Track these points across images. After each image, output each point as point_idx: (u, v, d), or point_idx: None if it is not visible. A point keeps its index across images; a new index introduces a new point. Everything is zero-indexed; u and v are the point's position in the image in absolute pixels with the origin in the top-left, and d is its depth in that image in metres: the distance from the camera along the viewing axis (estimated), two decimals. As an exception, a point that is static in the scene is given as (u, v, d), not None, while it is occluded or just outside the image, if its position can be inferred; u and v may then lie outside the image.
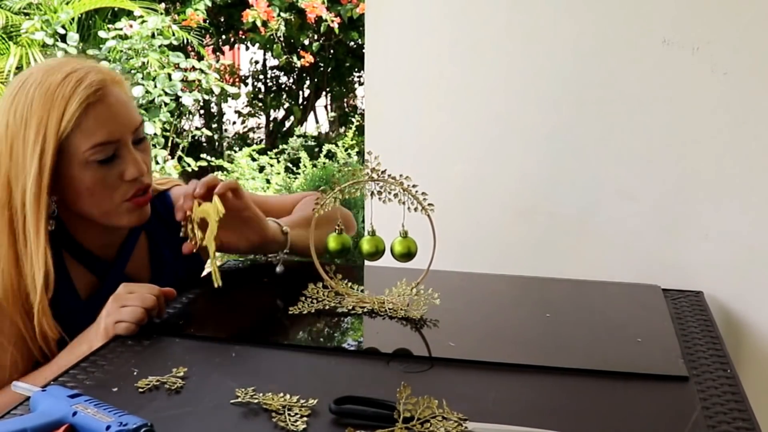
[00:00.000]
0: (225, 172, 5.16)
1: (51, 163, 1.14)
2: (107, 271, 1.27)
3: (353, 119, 6.23)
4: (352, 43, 6.27)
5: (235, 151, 5.58)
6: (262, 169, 5.21)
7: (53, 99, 1.14)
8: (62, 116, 1.14)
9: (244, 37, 6.29)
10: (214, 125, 6.48)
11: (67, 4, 5.00)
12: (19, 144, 1.15)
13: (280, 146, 5.70)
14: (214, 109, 6.52)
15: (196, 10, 5.52)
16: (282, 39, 6.00)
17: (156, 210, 1.30)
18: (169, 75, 4.83)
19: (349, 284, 1.25)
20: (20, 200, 1.15)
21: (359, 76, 6.57)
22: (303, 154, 5.20)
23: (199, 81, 5.11)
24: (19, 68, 4.85)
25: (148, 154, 1.25)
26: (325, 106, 7.00)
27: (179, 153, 5.23)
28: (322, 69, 6.37)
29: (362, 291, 1.25)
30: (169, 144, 5.12)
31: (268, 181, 5.07)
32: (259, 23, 5.62)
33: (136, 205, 1.22)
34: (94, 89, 1.16)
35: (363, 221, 1.38)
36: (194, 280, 1.34)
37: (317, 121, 6.81)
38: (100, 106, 1.17)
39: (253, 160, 5.24)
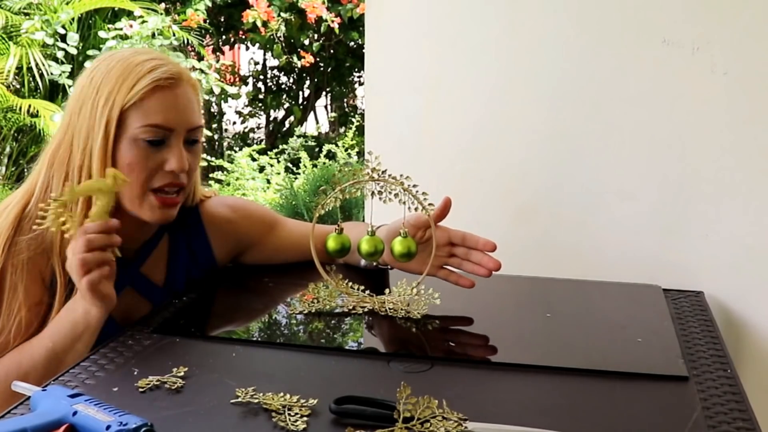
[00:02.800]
0: (225, 172, 5.17)
1: (114, 130, 1.18)
2: (125, 267, 1.27)
3: (353, 119, 6.23)
4: (352, 43, 6.27)
5: (235, 151, 5.58)
6: (262, 169, 5.21)
7: (129, 73, 1.19)
8: (131, 89, 1.18)
9: (244, 37, 6.29)
10: (215, 125, 6.48)
11: (67, 4, 5.00)
12: (87, 107, 1.19)
13: (280, 146, 5.70)
14: (215, 109, 6.52)
15: (197, 10, 5.52)
16: (282, 39, 6.01)
17: (185, 217, 1.32)
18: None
19: (350, 284, 1.25)
20: (80, 162, 1.19)
21: (359, 76, 6.57)
22: (303, 154, 5.20)
23: (199, 81, 5.11)
24: (19, 68, 4.85)
25: (196, 159, 1.26)
26: (325, 106, 7.00)
27: (179, 153, 5.22)
28: (322, 69, 6.37)
29: (362, 291, 1.25)
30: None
31: (268, 181, 5.07)
32: (259, 23, 5.62)
33: (161, 202, 1.22)
34: (167, 76, 1.20)
35: (363, 221, 1.38)
36: (195, 281, 1.34)
37: (317, 121, 6.81)
38: (166, 92, 1.20)
39: (253, 160, 5.24)
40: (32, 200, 1.20)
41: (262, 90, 6.67)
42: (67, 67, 4.92)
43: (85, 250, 1.09)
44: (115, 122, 1.17)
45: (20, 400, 0.91)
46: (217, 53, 6.33)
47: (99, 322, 1.11)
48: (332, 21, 5.63)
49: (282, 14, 5.72)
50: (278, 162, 5.27)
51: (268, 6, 5.65)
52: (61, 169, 1.20)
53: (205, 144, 6.22)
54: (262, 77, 6.69)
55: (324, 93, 6.77)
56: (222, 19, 6.36)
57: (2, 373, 1.11)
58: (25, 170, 5.29)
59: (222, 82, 5.60)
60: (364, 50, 1.77)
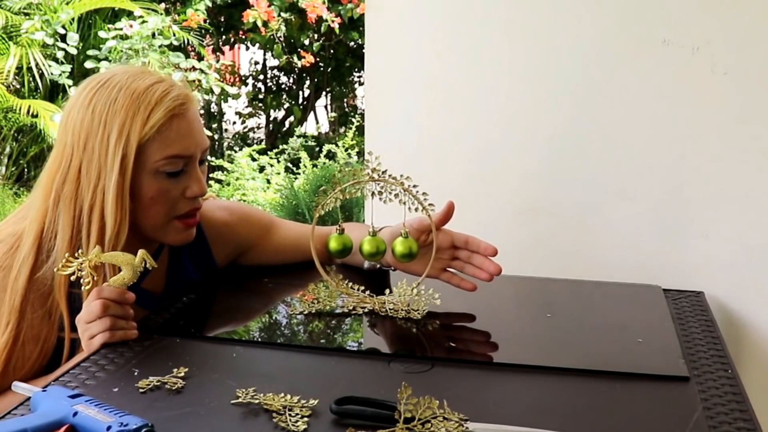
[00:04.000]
0: (225, 172, 5.17)
1: (132, 166, 1.14)
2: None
3: (353, 119, 6.23)
4: (352, 43, 6.27)
5: (236, 151, 5.58)
6: (262, 169, 5.21)
7: (139, 104, 1.14)
8: (146, 122, 1.14)
9: (244, 37, 6.29)
10: (215, 125, 6.48)
11: (67, 4, 5.00)
12: (95, 142, 1.14)
13: (280, 146, 5.70)
14: (215, 109, 6.52)
15: (197, 10, 5.52)
16: (282, 39, 6.01)
17: None
18: (170, 75, 4.83)
19: (350, 284, 1.25)
20: (91, 201, 1.14)
21: (359, 76, 6.57)
22: (303, 154, 5.20)
23: (199, 81, 5.11)
24: (19, 68, 4.85)
25: (206, 176, 1.25)
26: (325, 106, 7.00)
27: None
28: (322, 69, 6.37)
29: (363, 291, 1.25)
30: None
31: (268, 182, 5.07)
32: (259, 23, 5.62)
33: (185, 225, 1.22)
34: (180, 102, 1.17)
35: (363, 221, 1.38)
36: (195, 281, 1.34)
37: (317, 121, 6.81)
38: (182, 120, 1.17)
39: (253, 160, 5.24)
40: (43, 240, 1.16)
41: (262, 90, 6.66)
42: (67, 67, 4.92)
43: (100, 314, 1.07)
44: (134, 156, 1.14)
45: (21, 401, 0.91)
46: (217, 53, 6.33)
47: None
48: (332, 21, 5.63)
49: (282, 14, 5.72)
50: (278, 162, 5.27)
51: (269, 6, 5.65)
52: (70, 208, 1.15)
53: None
54: (262, 77, 6.68)
55: (324, 93, 6.77)
56: (222, 19, 6.36)
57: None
58: (25, 170, 5.30)
59: (222, 82, 5.59)
60: (364, 50, 1.77)
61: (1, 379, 1.14)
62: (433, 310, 1.19)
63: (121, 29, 4.91)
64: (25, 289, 1.15)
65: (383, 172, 1.19)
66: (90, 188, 1.14)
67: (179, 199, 1.19)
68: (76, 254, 1.09)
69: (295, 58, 6.01)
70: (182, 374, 0.97)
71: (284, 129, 6.63)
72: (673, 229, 1.54)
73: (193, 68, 5.10)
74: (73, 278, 1.08)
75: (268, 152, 5.36)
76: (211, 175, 5.16)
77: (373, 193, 1.19)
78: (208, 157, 5.37)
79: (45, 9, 4.94)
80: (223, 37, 6.45)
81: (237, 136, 6.67)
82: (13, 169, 5.20)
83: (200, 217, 1.35)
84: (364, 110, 2.30)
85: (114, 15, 5.34)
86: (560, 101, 1.58)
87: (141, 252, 1.11)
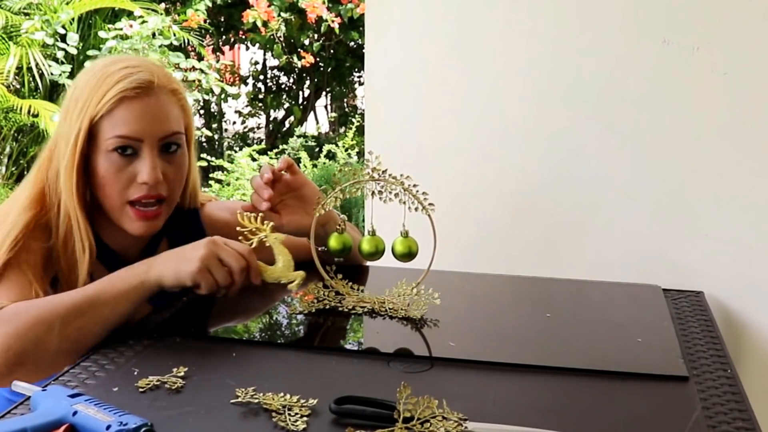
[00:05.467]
0: (225, 172, 5.17)
1: (82, 142, 1.19)
2: None
3: (353, 119, 6.23)
4: (352, 43, 6.27)
5: (236, 151, 5.58)
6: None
7: (100, 84, 1.20)
8: (100, 101, 1.19)
9: (244, 37, 6.29)
10: (215, 125, 6.48)
11: (67, 4, 5.00)
12: (65, 117, 1.22)
13: (280, 146, 5.70)
14: (214, 109, 6.52)
15: (197, 10, 5.52)
16: (282, 39, 6.01)
17: (185, 220, 1.33)
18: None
19: (349, 284, 1.25)
20: (55, 170, 1.22)
21: (359, 76, 6.57)
22: (303, 154, 5.20)
23: (199, 81, 5.11)
24: (19, 68, 4.85)
25: (178, 169, 1.25)
26: (325, 106, 7.00)
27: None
28: (322, 69, 6.37)
29: (362, 291, 1.25)
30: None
31: (268, 181, 5.06)
32: (259, 23, 5.62)
33: (138, 215, 1.22)
34: (134, 85, 1.20)
35: (363, 221, 1.38)
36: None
37: (317, 121, 6.81)
38: (134, 102, 1.20)
39: (253, 160, 5.24)
40: (41, 208, 1.22)
41: (262, 90, 6.67)
42: (67, 67, 4.91)
43: (236, 266, 1.13)
44: (85, 134, 1.18)
45: (20, 401, 0.91)
46: (217, 53, 6.33)
47: (153, 291, 1.12)
48: (332, 21, 5.63)
49: (282, 14, 5.72)
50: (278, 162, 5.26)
51: (268, 6, 5.65)
52: (45, 178, 1.22)
53: (205, 144, 6.23)
54: (262, 77, 6.69)
55: (324, 93, 6.77)
56: (222, 19, 6.36)
57: (11, 310, 1.08)
58: (26, 170, 5.29)
59: (222, 82, 5.59)
60: (364, 50, 1.77)
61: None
62: (432, 310, 1.19)
63: (121, 29, 4.91)
64: (21, 244, 1.18)
65: (383, 172, 1.19)
66: (57, 159, 1.22)
67: (130, 183, 1.21)
68: (258, 218, 1.18)
69: (295, 58, 6.01)
70: (182, 374, 0.97)
71: (284, 129, 6.63)
72: (673, 229, 1.54)
73: (193, 68, 5.10)
74: (240, 238, 1.16)
75: (268, 152, 5.36)
76: (211, 175, 5.16)
77: (372, 193, 1.20)
78: (208, 157, 5.31)
79: (45, 9, 4.94)
80: (223, 37, 6.45)
81: (237, 136, 6.67)
82: (13, 169, 5.20)
83: (203, 217, 1.35)
84: (364, 110, 2.30)
85: (114, 15, 5.34)
86: (560, 101, 1.58)
87: (301, 273, 1.18)
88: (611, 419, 0.91)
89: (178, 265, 1.12)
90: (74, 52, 4.97)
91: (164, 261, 1.13)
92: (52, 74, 4.89)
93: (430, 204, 1.19)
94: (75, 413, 0.83)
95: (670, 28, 1.49)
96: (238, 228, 1.18)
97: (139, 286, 1.11)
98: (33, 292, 1.14)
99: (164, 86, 1.23)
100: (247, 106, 6.67)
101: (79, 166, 1.19)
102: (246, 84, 6.63)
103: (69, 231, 1.21)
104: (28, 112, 4.72)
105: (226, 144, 6.51)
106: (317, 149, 5.69)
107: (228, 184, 5.09)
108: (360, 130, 5.57)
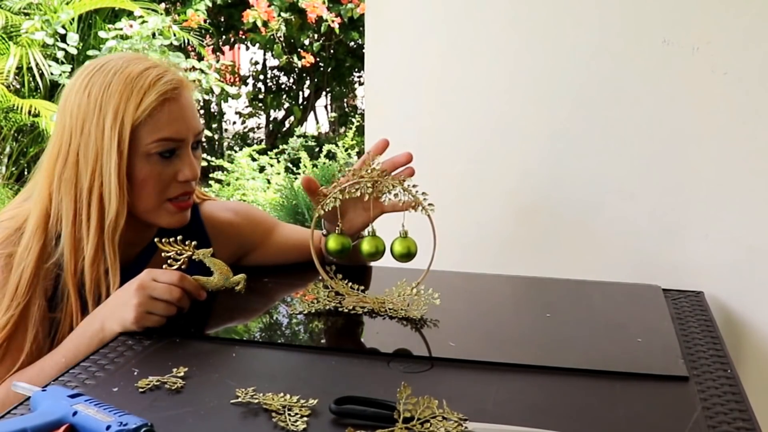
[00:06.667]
0: (225, 172, 5.17)
1: (127, 149, 1.17)
2: (126, 272, 1.27)
3: (353, 119, 6.23)
4: (352, 43, 6.27)
5: (236, 151, 5.58)
6: (262, 169, 5.21)
7: (132, 87, 1.17)
8: (139, 105, 1.17)
9: (244, 37, 6.29)
10: (215, 125, 6.48)
11: (67, 4, 5.00)
12: (91, 125, 1.17)
13: (280, 146, 5.69)
14: (215, 109, 6.52)
15: (197, 10, 5.52)
16: (282, 39, 6.01)
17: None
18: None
19: (349, 284, 1.25)
20: (89, 184, 1.17)
21: (359, 76, 6.58)
22: (303, 154, 5.20)
23: (200, 81, 5.11)
24: (19, 68, 4.85)
25: (200, 161, 1.27)
26: (325, 106, 7.00)
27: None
28: (322, 69, 6.37)
29: (362, 291, 1.25)
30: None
31: (268, 182, 5.07)
32: (259, 23, 5.63)
33: (178, 208, 1.24)
34: (172, 86, 1.20)
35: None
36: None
37: (317, 121, 6.81)
38: (174, 104, 1.20)
39: (254, 160, 5.24)
40: (50, 224, 1.19)
41: (262, 90, 6.67)
42: (67, 67, 4.91)
43: (170, 298, 1.12)
44: (128, 139, 1.17)
45: (20, 401, 0.91)
46: (217, 53, 6.34)
47: (113, 337, 1.12)
48: (332, 21, 5.63)
49: (282, 14, 5.73)
50: (278, 162, 5.27)
51: (269, 6, 5.65)
52: (71, 191, 1.18)
53: (205, 144, 6.23)
54: (262, 77, 6.69)
55: (324, 93, 6.77)
56: (222, 19, 6.36)
57: (4, 390, 1.11)
58: (26, 170, 5.29)
59: (222, 82, 5.60)
60: (364, 50, 1.77)
61: (2, 357, 1.15)
62: (432, 310, 1.19)
63: (121, 29, 4.91)
64: (33, 272, 1.17)
65: (383, 172, 1.19)
66: (88, 171, 1.18)
67: (171, 182, 1.22)
68: (178, 241, 1.16)
69: (295, 58, 6.02)
70: (182, 374, 0.97)
71: (284, 129, 6.64)
72: (673, 229, 1.54)
73: (193, 68, 5.10)
74: (168, 262, 1.16)
75: (268, 152, 5.36)
76: (211, 175, 5.16)
77: (372, 193, 1.19)
78: (208, 157, 5.34)
79: (45, 9, 4.94)
80: (223, 37, 6.45)
81: (237, 136, 6.67)
82: (13, 169, 5.20)
83: (203, 215, 1.35)
84: (364, 110, 2.30)
85: (114, 15, 5.34)
86: (560, 101, 1.58)
87: (242, 276, 1.21)
88: (611, 419, 0.91)
89: (121, 315, 1.11)
90: (74, 52, 4.97)
91: (110, 313, 1.13)
92: (52, 74, 4.89)
93: (429, 204, 1.19)
94: (75, 413, 0.83)
95: (670, 28, 1.49)
96: (163, 254, 1.17)
97: (101, 342, 1.11)
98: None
99: (186, 83, 1.25)
100: (247, 106, 6.67)
101: (128, 173, 1.18)
102: (246, 84, 6.64)
103: (97, 251, 1.18)
104: (29, 112, 4.73)
105: (226, 144, 6.52)
106: (317, 149, 5.69)
107: (228, 184, 5.09)
108: (360, 130, 5.57)
